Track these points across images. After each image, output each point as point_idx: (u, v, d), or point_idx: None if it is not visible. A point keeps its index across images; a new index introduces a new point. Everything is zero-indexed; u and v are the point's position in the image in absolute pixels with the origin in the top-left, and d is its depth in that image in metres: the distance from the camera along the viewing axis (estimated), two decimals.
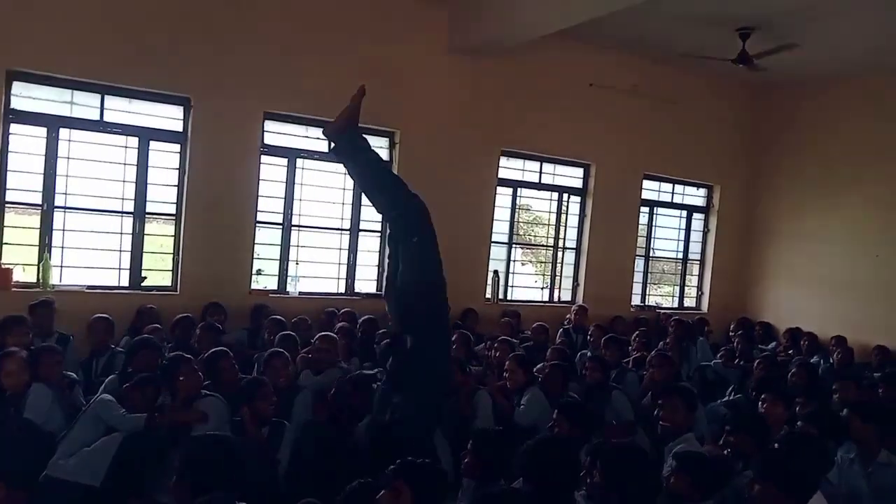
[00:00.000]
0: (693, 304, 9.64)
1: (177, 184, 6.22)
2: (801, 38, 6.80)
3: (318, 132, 6.80)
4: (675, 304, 9.53)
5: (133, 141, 6.04)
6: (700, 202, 9.60)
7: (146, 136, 6.07)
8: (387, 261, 4.02)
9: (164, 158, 6.18)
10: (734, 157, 9.44)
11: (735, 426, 3.60)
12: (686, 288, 9.64)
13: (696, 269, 9.68)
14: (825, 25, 6.64)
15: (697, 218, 9.58)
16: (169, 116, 6.17)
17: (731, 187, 9.48)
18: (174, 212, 6.24)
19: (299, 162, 6.78)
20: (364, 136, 3.98)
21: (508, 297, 8.15)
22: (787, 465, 2.76)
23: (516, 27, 6.51)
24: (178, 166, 6.21)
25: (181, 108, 6.17)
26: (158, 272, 6.27)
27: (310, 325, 5.95)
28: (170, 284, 6.25)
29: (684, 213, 9.48)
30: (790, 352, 7.63)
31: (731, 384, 5.89)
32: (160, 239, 6.34)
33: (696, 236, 9.59)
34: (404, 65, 6.91)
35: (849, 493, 3.43)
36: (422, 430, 3.47)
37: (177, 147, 6.20)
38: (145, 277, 6.15)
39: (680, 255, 9.56)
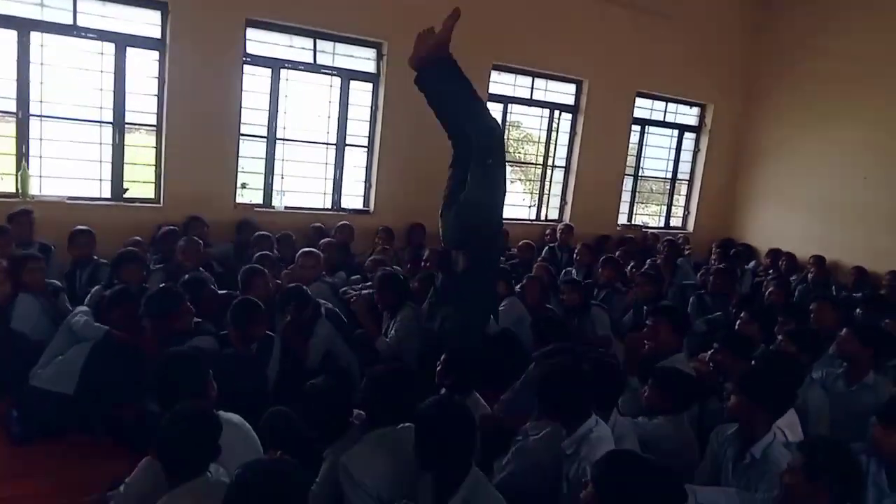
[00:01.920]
0: (679, 224, 9.69)
1: (157, 93, 6.02)
2: None
3: (303, 41, 6.57)
4: (662, 224, 9.58)
5: (109, 47, 5.79)
6: (692, 121, 9.47)
7: (123, 42, 5.82)
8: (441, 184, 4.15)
9: (143, 66, 5.96)
10: (729, 75, 9.24)
11: (721, 344, 3.71)
12: (673, 208, 9.67)
13: (684, 189, 9.67)
14: None
15: (689, 137, 9.47)
16: (146, 22, 5.89)
17: (725, 106, 9.33)
18: (155, 122, 6.08)
19: (283, 73, 6.56)
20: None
21: None
22: (760, 380, 2.86)
23: None
24: (157, 75, 5.99)
25: (158, 13, 5.89)
26: (141, 184, 6.17)
27: (294, 240, 5.94)
28: (153, 197, 6.17)
29: (676, 132, 9.37)
30: (770, 271, 7.76)
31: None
32: (143, 150, 6.21)
33: (686, 156, 9.52)
34: None
35: (810, 407, 3.55)
36: (470, 340, 3.64)
37: (155, 54, 5.96)
38: (127, 189, 6.06)
39: (669, 175, 9.53)
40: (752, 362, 3.53)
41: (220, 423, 2.34)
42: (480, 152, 3.77)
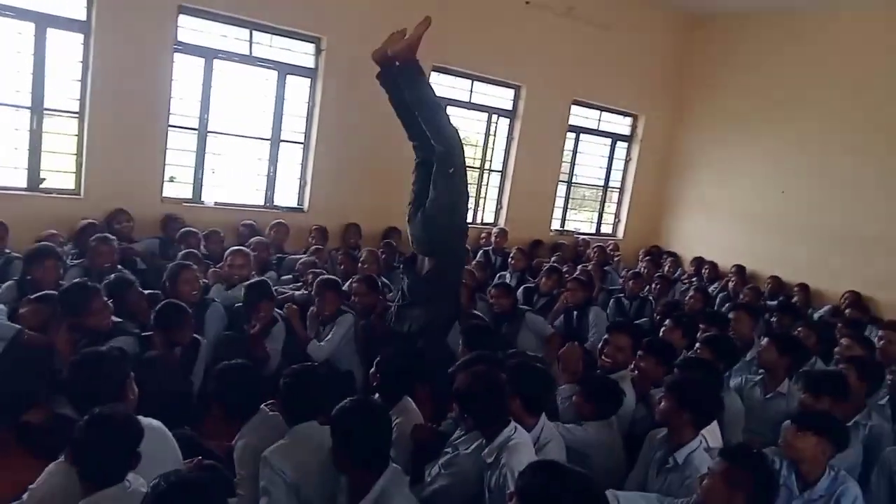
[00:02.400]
0: (610, 231, 9.95)
1: (80, 79, 5.73)
2: None
3: (239, 32, 6.39)
4: (593, 231, 9.81)
5: (28, 27, 5.46)
6: (625, 130, 9.75)
7: (43, 22, 5.49)
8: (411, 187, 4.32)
9: (66, 49, 5.65)
10: (661, 88, 9.55)
11: (645, 351, 3.79)
12: (604, 215, 9.91)
13: (615, 196, 9.94)
14: None
15: (621, 146, 9.74)
16: (70, 2, 5.58)
17: (656, 117, 9.65)
18: (77, 109, 5.78)
19: (217, 63, 6.36)
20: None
21: None
22: (688, 386, 2.96)
23: None
24: (81, 59, 5.70)
25: None
26: (61, 174, 5.85)
27: (222, 237, 5.76)
28: (73, 188, 5.86)
29: (609, 140, 9.61)
30: (693, 279, 8.07)
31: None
32: (63, 138, 5.88)
33: (618, 164, 9.78)
34: None
35: (726, 414, 3.70)
36: (438, 338, 3.82)
37: (80, 37, 5.67)
38: (44, 179, 5.73)
39: (601, 183, 9.76)
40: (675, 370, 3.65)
41: (142, 429, 2.25)
42: (442, 161, 3.91)
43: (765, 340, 4.10)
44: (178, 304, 3.55)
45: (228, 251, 4.89)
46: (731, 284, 7.64)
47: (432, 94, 4.10)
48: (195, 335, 3.64)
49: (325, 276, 4.60)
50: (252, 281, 4.27)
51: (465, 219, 4.27)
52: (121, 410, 2.31)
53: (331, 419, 2.43)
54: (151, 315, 3.53)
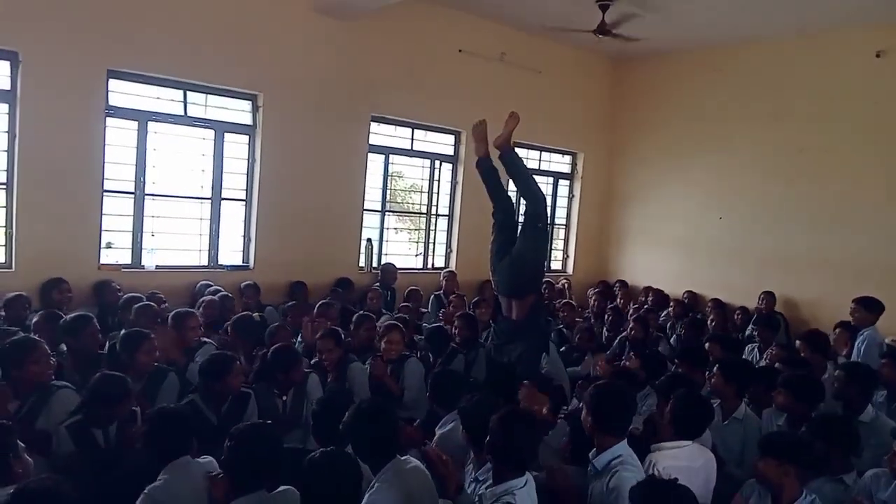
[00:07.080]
0: (559, 268, 10.06)
1: (7, 149, 5.55)
2: (657, 11, 7.15)
3: (172, 93, 6.33)
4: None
5: None
6: (566, 169, 9.97)
7: None
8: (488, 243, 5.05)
9: None
10: (597, 126, 9.86)
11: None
12: (553, 252, 10.03)
13: (561, 233, 10.10)
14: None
15: (563, 184, 9.95)
16: None
17: (594, 154, 9.92)
18: (5, 180, 5.58)
19: (151, 125, 6.26)
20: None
21: (382, 265, 8.08)
22: (601, 399, 3.07)
23: None
24: (6, 129, 5.54)
25: (7, 64, 5.48)
26: None
27: (164, 302, 5.57)
28: (3, 260, 5.62)
29: (551, 179, 9.81)
30: (644, 308, 8.18)
31: None
32: None
33: (561, 202, 9.98)
34: (266, 21, 6.56)
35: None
36: (533, 366, 4.40)
37: (4, 107, 5.52)
38: None
39: (548, 221, 9.89)
40: None
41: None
42: (533, 218, 4.66)
43: (715, 368, 4.13)
44: (117, 377, 3.32)
45: (175, 314, 4.73)
46: (670, 311, 7.80)
47: (525, 167, 5.00)
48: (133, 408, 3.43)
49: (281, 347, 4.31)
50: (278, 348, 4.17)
51: (545, 266, 5.01)
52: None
53: (302, 471, 2.44)
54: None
